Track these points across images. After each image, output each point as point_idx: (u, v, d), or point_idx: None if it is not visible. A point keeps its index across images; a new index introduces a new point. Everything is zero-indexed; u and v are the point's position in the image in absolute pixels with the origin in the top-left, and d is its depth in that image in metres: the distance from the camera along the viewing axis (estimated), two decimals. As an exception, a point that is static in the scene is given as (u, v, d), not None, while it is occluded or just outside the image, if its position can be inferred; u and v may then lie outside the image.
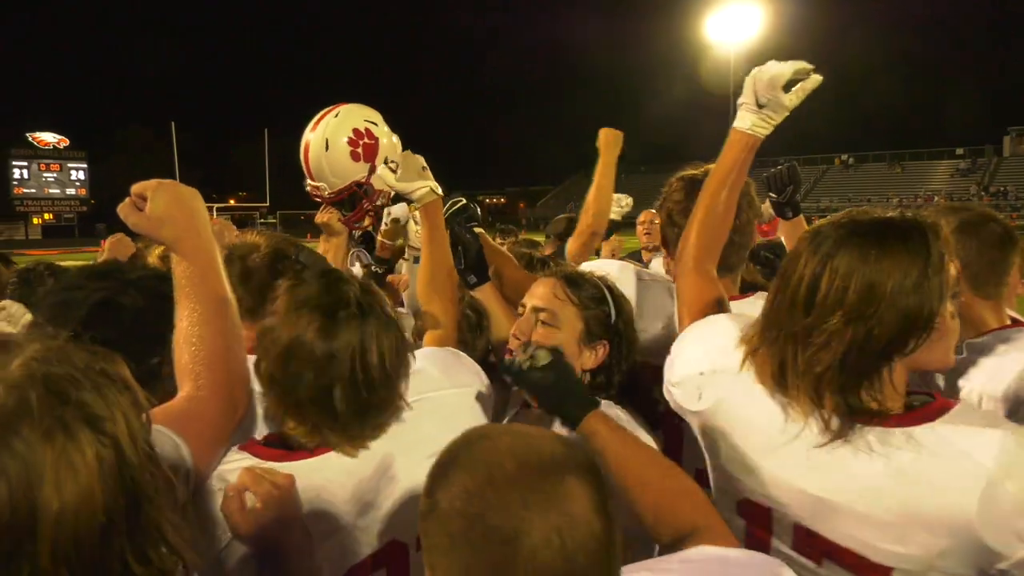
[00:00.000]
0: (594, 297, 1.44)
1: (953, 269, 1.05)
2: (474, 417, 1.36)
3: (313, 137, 2.37)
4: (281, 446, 1.20)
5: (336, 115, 2.43)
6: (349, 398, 1.13)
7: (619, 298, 1.47)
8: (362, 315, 1.15)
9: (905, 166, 60.14)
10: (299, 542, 1.09)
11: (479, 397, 1.40)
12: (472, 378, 1.43)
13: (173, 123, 44.48)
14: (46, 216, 50.95)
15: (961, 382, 1.58)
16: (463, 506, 0.69)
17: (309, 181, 2.41)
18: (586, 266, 1.81)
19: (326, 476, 1.16)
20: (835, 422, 1.07)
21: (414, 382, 1.27)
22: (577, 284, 1.45)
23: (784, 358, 1.10)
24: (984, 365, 1.57)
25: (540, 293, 1.46)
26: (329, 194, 2.39)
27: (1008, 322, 1.69)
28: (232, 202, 62.64)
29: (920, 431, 1.04)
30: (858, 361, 1.03)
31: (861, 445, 1.06)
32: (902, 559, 1.05)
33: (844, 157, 64.17)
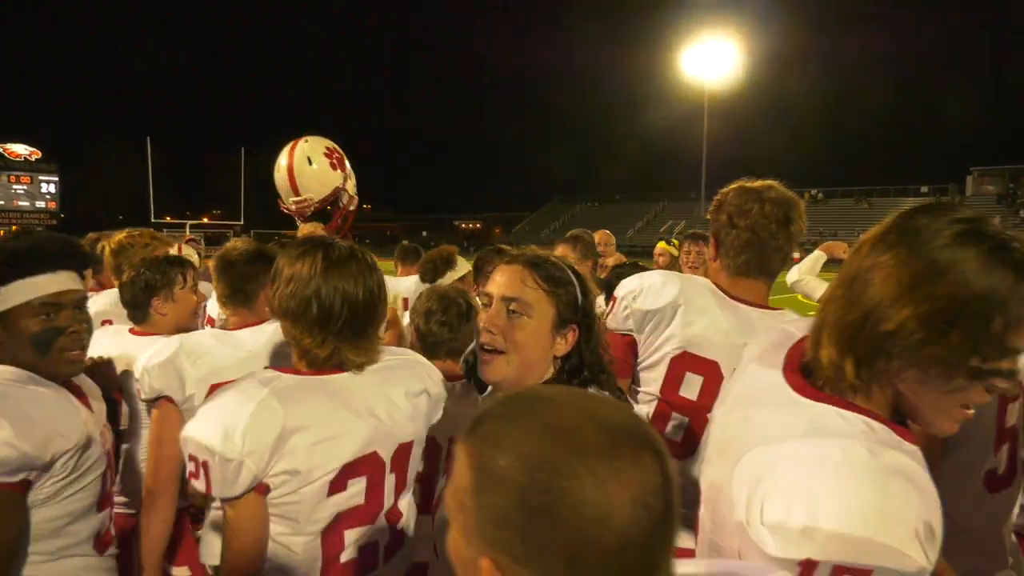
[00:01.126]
0: (561, 280, 1.38)
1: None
2: (439, 388, 1.65)
3: (295, 159, 2.74)
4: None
5: (306, 141, 2.87)
6: (347, 316, 1.43)
7: (584, 281, 1.42)
8: (353, 257, 1.46)
9: (872, 202, 61.62)
10: None
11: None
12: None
13: (148, 138, 44.03)
14: (13, 229, 49.89)
15: None
16: (547, 478, 0.61)
17: (293, 198, 2.71)
18: (633, 278, 1.86)
19: (334, 388, 1.44)
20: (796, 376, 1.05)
21: (396, 350, 1.64)
22: (544, 268, 1.38)
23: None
24: None
25: (506, 282, 1.38)
26: (317, 203, 2.76)
27: None
28: (205, 220, 61.93)
29: (805, 400, 1.01)
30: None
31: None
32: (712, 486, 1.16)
33: (814, 192, 65.59)
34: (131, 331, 2.33)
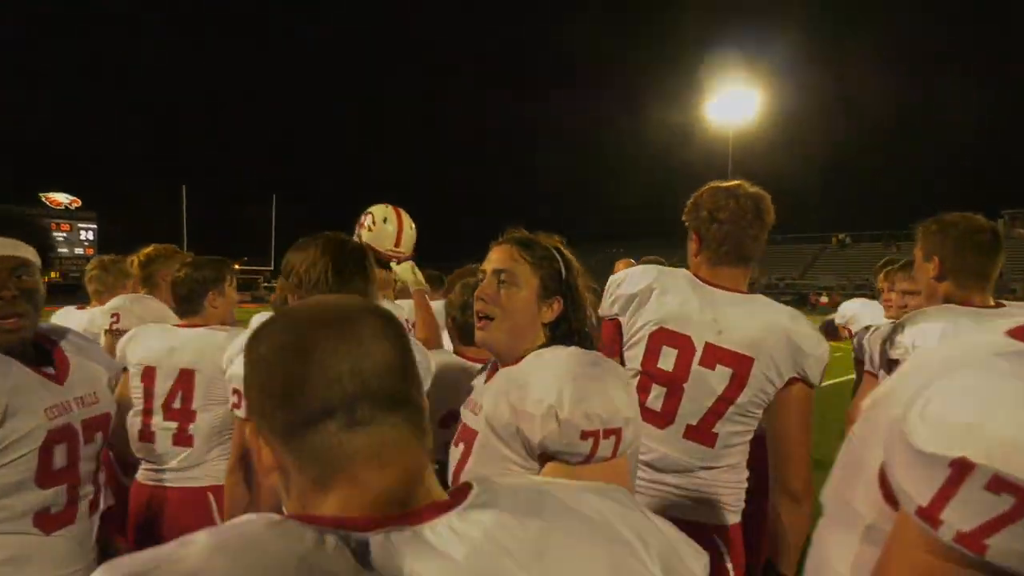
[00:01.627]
0: (546, 257, 1.57)
1: None
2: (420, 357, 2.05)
3: (404, 221, 3.39)
4: None
5: (403, 211, 3.50)
6: (334, 278, 1.78)
7: (568, 258, 1.60)
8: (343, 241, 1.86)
9: (900, 246, 60.80)
10: None
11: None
12: None
13: (184, 186, 45.32)
14: (52, 275, 51.34)
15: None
16: (269, 338, 0.74)
17: (392, 248, 3.31)
18: (619, 272, 2.08)
19: None
20: None
21: None
22: (529, 246, 1.58)
23: None
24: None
25: (498, 258, 1.58)
26: (404, 256, 3.40)
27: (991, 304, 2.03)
28: (237, 266, 63.05)
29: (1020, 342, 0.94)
30: None
31: None
32: None
33: (841, 236, 65.01)
34: (178, 325, 2.57)
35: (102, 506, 1.77)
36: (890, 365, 1.93)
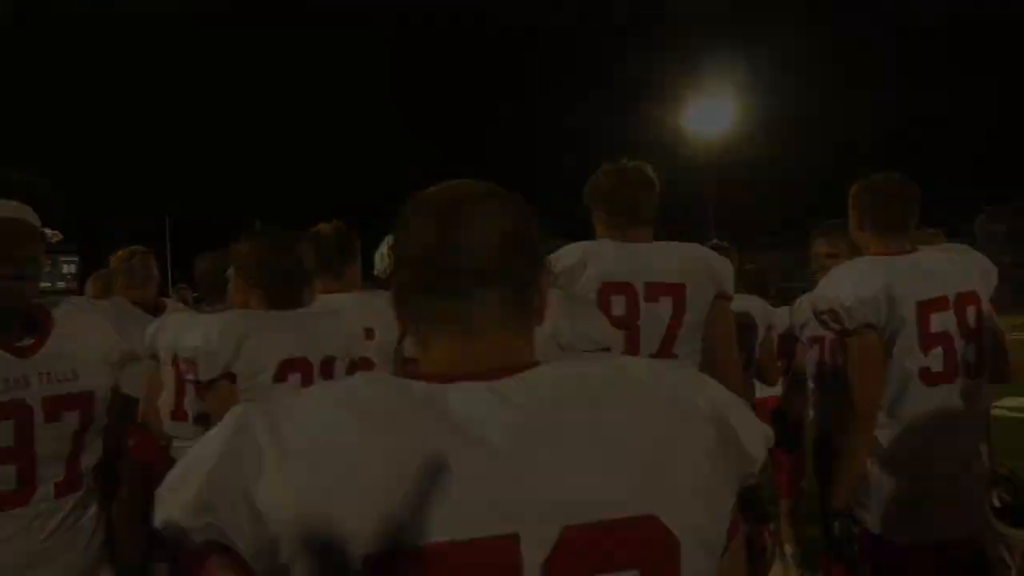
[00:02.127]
0: None
1: None
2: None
3: None
4: None
5: None
6: (276, 278, 2.08)
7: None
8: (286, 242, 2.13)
9: (885, 245, 60.95)
10: None
11: None
12: None
13: (167, 217, 45.06)
14: (34, 310, 50.34)
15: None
16: (402, 218, 0.84)
17: None
18: (555, 253, 2.28)
19: (272, 317, 2.07)
20: None
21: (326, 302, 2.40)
22: None
23: None
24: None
25: None
26: None
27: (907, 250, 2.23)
28: (222, 293, 62.45)
29: None
30: None
31: None
32: None
33: (823, 238, 65.04)
34: (201, 310, 2.82)
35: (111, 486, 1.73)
36: (819, 316, 2.16)
